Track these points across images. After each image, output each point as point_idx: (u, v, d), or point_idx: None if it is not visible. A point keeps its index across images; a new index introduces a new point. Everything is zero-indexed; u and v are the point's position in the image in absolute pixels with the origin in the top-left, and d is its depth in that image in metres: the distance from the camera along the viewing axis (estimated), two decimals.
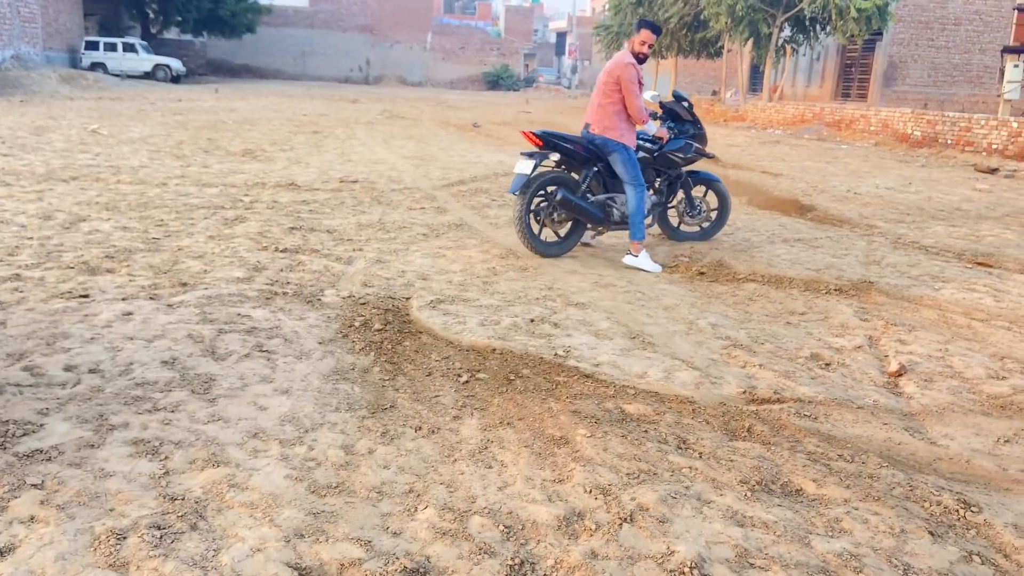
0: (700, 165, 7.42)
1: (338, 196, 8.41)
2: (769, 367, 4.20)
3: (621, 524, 2.65)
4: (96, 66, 29.29)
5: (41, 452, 2.84)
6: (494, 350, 4.21)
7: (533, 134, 6.06)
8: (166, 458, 2.87)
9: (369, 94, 30.22)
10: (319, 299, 4.89)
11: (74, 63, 29.08)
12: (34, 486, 2.62)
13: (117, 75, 28.51)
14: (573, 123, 20.60)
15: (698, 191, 7.12)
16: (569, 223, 6.28)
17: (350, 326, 4.45)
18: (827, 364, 4.33)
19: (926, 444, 3.46)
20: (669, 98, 6.81)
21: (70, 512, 2.49)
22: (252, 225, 6.75)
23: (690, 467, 3.08)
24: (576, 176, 6.30)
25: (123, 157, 10.10)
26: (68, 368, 3.59)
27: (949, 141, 16.53)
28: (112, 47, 30.24)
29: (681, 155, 6.57)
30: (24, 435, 2.94)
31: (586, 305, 5.09)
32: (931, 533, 2.72)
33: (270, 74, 40.78)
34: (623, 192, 6.23)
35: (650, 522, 2.67)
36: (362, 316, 4.62)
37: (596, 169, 6.22)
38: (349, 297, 4.96)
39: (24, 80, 20.63)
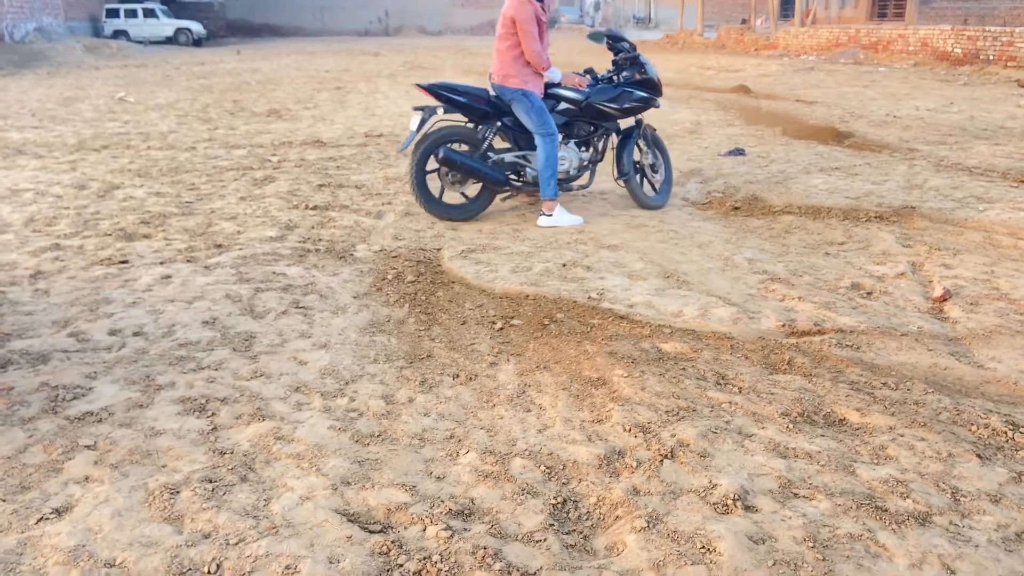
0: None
1: (364, 151, 8.38)
2: (808, 299, 4.13)
3: (662, 461, 2.66)
4: (118, 34, 29.32)
5: (91, 414, 2.92)
6: (527, 296, 4.20)
7: (422, 87, 5.45)
8: (213, 414, 2.94)
9: (390, 46, 29.89)
10: (351, 254, 4.91)
11: (96, 32, 29.13)
12: (87, 447, 2.70)
13: (139, 42, 28.53)
14: (595, 61, 20.19)
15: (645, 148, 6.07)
16: (479, 184, 5.63)
17: (383, 279, 4.47)
18: (869, 293, 4.25)
19: (973, 368, 3.39)
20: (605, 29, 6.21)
21: (123, 470, 2.57)
22: (281, 184, 6.77)
23: (730, 402, 3.06)
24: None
25: (151, 123, 10.16)
26: (112, 332, 3.67)
27: (991, 57, 15.86)
28: (132, 13, 30.19)
29: (615, 105, 5.62)
30: (74, 399, 3.03)
31: (618, 247, 5.04)
32: (979, 456, 2.69)
33: (290, 32, 40.49)
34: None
35: (691, 457, 2.67)
36: (395, 269, 4.63)
37: (500, 124, 5.52)
38: (381, 251, 4.97)
39: (49, 52, 20.75)
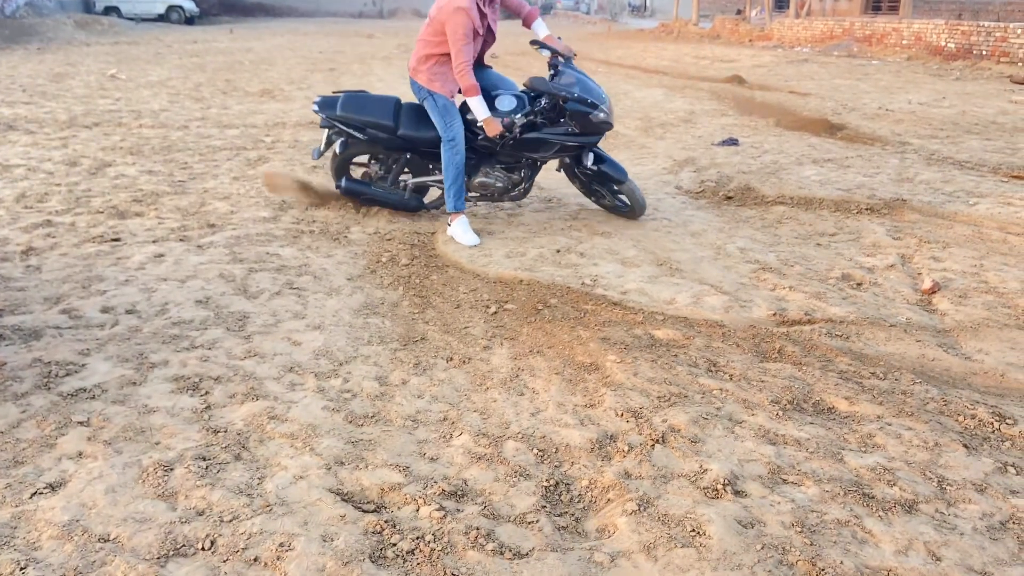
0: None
1: None
2: (799, 289, 4.16)
3: (653, 445, 2.68)
4: (109, 10, 28.93)
5: (85, 391, 2.92)
6: (521, 281, 4.21)
7: (317, 110, 4.92)
8: (207, 393, 2.94)
9: (384, 28, 29.67)
10: (345, 236, 4.90)
11: (87, 7, 28.74)
12: (80, 423, 2.70)
13: (131, 18, 28.19)
14: (592, 49, 20.12)
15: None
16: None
17: (377, 261, 4.47)
18: (859, 284, 4.28)
19: (960, 359, 3.43)
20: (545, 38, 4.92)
21: (117, 447, 2.58)
22: (275, 165, 6.74)
23: (721, 389, 3.09)
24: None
25: (143, 101, 10.07)
26: (105, 310, 3.66)
27: (984, 52, 15.91)
28: None
29: (535, 155, 4.97)
30: (67, 375, 3.03)
31: (612, 234, 5.05)
32: (965, 446, 2.73)
33: (283, 11, 40.11)
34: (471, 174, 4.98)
35: (682, 442, 2.70)
36: (389, 251, 4.63)
37: (407, 158, 5.09)
38: (375, 233, 4.96)
39: (39, 27, 20.49)
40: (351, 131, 4.93)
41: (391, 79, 13.21)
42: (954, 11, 26.80)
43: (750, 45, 22.61)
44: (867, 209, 5.68)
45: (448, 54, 4.64)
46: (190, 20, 30.61)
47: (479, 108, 4.62)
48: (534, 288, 4.12)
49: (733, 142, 8.02)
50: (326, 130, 5.04)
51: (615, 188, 5.21)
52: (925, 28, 17.80)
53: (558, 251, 4.67)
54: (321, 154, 5.13)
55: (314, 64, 15.41)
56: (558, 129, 4.86)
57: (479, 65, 4.98)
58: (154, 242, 4.65)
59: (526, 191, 5.20)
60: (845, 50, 19.33)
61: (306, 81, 12.64)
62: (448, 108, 4.77)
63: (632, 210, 5.29)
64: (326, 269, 4.31)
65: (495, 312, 3.83)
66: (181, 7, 30.74)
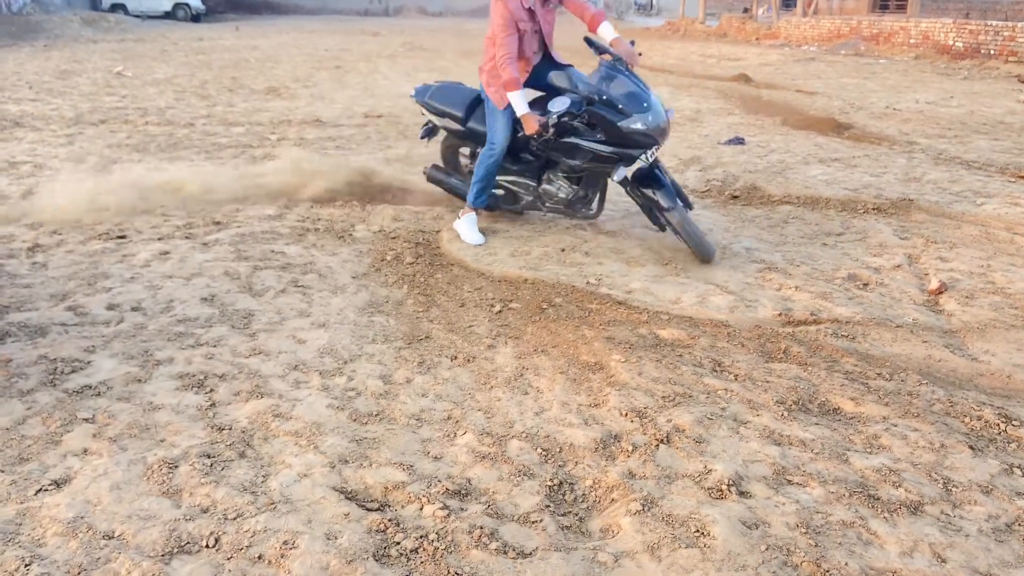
0: None
1: (364, 131, 8.35)
2: (805, 289, 4.15)
3: (658, 445, 2.68)
4: (116, 7, 28.99)
5: (90, 388, 2.92)
6: (526, 280, 4.21)
7: (416, 96, 5.03)
8: (212, 391, 2.95)
9: (390, 27, 29.67)
10: (350, 234, 4.90)
11: (94, 5, 28.80)
12: (85, 420, 2.71)
13: (137, 16, 28.24)
14: None
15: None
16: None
17: (382, 260, 4.47)
18: (865, 284, 4.27)
19: (967, 360, 3.42)
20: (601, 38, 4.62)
21: (122, 444, 2.58)
22: (281, 162, 6.73)
23: (726, 389, 3.08)
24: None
25: (149, 98, 10.09)
26: (111, 307, 3.67)
27: (992, 52, 15.83)
28: None
29: (571, 162, 4.55)
30: (72, 372, 3.03)
31: (617, 233, 5.04)
32: (971, 447, 2.71)
33: (289, 9, 40.15)
34: (565, 169, 4.70)
35: (687, 443, 2.70)
36: (393, 250, 4.63)
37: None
38: (380, 231, 4.96)
39: (46, 24, 20.55)
40: (435, 119, 5.03)
41: (396, 77, 13.21)
42: (962, 10, 26.67)
43: (757, 44, 22.55)
44: (874, 209, 5.66)
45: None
46: (196, 18, 30.65)
47: (518, 103, 4.37)
48: (539, 287, 4.12)
49: (739, 141, 8.00)
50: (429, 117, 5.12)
51: (664, 215, 4.50)
52: (933, 27, 17.73)
53: (563, 250, 4.66)
54: (425, 139, 5.25)
55: (320, 62, 15.42)
56: (593, 135, 4.42)
57: (554, 63, 4.69)
58: (159, 239, 4.66)
59: (593, 206, 4.79)
60: (852, 49, 19.26)
61: (312, 79, 12.65)
62: (494, 113, 4.58)
63: (694, 251, 4.50)
64: (331, 267, 4.32)
65: (499, 311, 3.83)
66: (187, 4, 30.79)
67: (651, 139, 4.31)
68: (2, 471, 2.42)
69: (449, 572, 2.07)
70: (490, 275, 4.29)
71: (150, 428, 2.68)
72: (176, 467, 2.46)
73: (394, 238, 4.83)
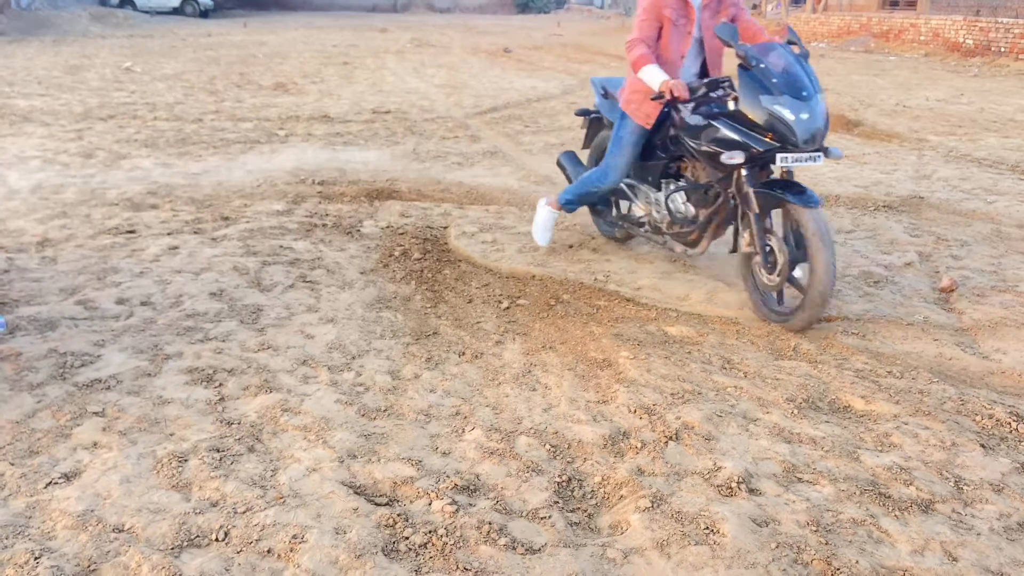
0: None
1: (371, 127, 8.35)
2: None
3: (667, 442, 2.67)
4: (124, 3, 29.00)
5: (100, 382, 2.93)
6: (534, 276, 4.20)
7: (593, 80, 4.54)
8: (220, 385, 2.95)
9: (398, 22, 29.66)
10: (358, 230, 4.90)
11: (103, 0, 28.89)
12: (95, 414, 2.71)
13: (146, 11, 28.30)
14: (605, 44, 20.02)
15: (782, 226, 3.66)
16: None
17: (390, 256, 4.47)
18: (876, 282, 4.24)
19: (978, 359, 3.40)
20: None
21: (132, 438, 2.59)
22: (288, 158, 6.74)
23: (735, 386, 3.07)
24: None
25: (158, 94, 10.11)
26: (120, 301, 3.68)
27: (1003, 49, 15.73)
28: None
29: (693, 143, 3.72)
30: (82, 366, 3.04)
31: None
32: (983, 446, 2.70)
33: (297, 5, 40.16)
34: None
35: (696, 440, 2.69)
36: (401, 246, 4.63)
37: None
38: (388, 227, 4.96)
39: (55, 20, 20.61)
40: (595, 113, 4.68)
41: (404, 73, 13.21)
42: (972, 7, 26.49)
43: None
44: (884, 206, 5.63)
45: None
46: (204, 13, 30.68)
47: (654, 75, 3.66)
48: (546, 284, 4.11)
49: None
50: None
51: (798, 223, 3.44)
52: (943, 24, 17.62)
53: (571, 247, 4.66)
54: (581, 116, 4.86)
55: (328, 58, 15.42)
56: (729, 119, 3.55)
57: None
58: (168, 234, 4.67)
59: (701, 242, 3.98)
60: (862, 46, 19.17)
61: (319, 75, 12.66)
62: (625, 139, 4.00)
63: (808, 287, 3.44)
64: (339, 263, 4.32)
65: (507, 307, 3.82)
66: (196, 0, 30.82)
67: (792, 138, 3.37)
68: (12, 464, 2.42)
69: (458, 567, 2.07)
70: (498, 271, 4.28)
71: (159, 422, 2.69)
72: (186, 461, 2.47)
73: (402, 234, 4.83)
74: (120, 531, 2.15)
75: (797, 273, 3.57)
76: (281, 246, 4.52)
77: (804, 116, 3.38)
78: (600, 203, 4.58)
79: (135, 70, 12.51)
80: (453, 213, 5.28)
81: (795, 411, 2.91)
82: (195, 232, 4.73)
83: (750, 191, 3.54)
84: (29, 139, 7.16)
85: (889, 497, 2.40)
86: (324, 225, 4.96)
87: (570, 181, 4.67)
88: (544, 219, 4.51)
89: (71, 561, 2.03)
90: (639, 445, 2.65)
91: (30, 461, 2.45)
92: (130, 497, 2.28)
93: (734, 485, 2.42)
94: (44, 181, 5.74)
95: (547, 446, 2.65)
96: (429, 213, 5.28)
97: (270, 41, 19.16)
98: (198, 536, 2.14)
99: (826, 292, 3.35)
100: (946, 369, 3.30)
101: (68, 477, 2.38)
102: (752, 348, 3.44)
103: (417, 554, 2.12)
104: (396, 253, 4.50)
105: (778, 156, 3.43)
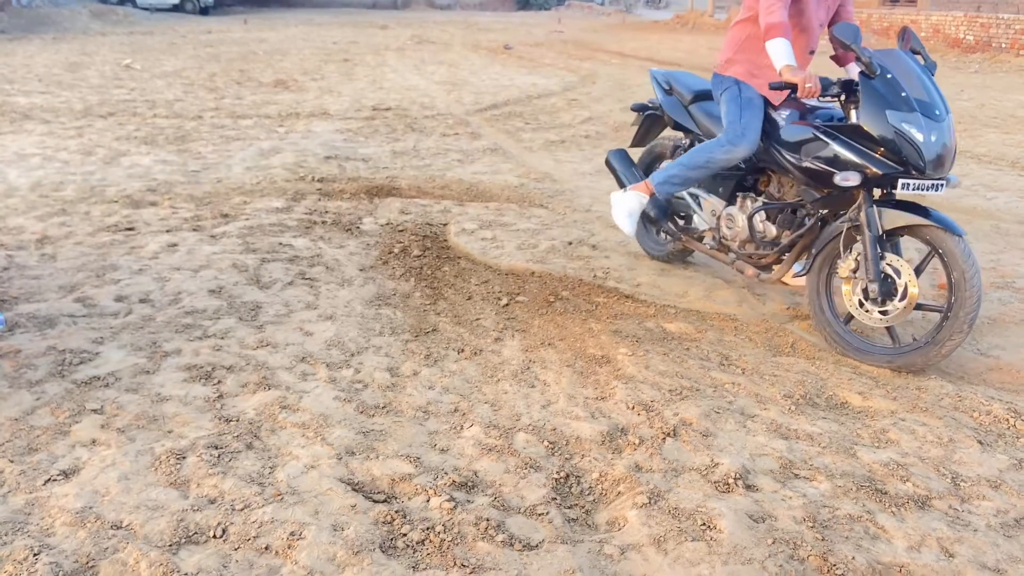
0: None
1: (371, 124, 8.35)
2: None
3: (664, 439, 2.67)
4: (125, 0, 29.05)
5: (98, 379, 2.93)
6: (533, 273, 4.20)
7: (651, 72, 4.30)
8: (219, 382, 2.96)
9: (398, 19, 29.64)
10: (358, 227, 4.91)
11: None
12: (94, 411, 2.72)
13: (146, 8, 28.28)
14: (606, 41, 20.01)
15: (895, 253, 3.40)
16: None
17: (389, 253, 4.47)
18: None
19: (976, 355, 3.40)
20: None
21: (130, 435, 2.59)
22: (288, 156, 6.75)
23: (733, 383, 3.07)
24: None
25: (158, 91, 10.11)
26: (119, 299, 3.68)
27: (1003, 45, 15.72)
28: None
29: (792, 157, 3.39)
30: (81, 363, 3.05)
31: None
32: (980, 442, 2.70)
33: (297, 2, 40.11)
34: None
35: (693, 436, 2.69)
36: (401, 243, 4.63)
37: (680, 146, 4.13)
38: (387, 224, 4.97)
39: (55, 17, 20.60)
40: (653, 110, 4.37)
41: (405, 70, 13.20)
42: (973, 3, 26.44)
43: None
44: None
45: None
46: (204, 10, 30.63)
47: (780, 52, 3.30)
48: (546, 280, 4.11)
49: None
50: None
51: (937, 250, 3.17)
52: (943, 20, 17.60)
53: (570, 243, 4.66)
54: (636, 112, 4.51)
55: (328, 55, 15.41)
56: (843, 137, 3.22)
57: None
58: (168, 231, 4.68)
59: (775, 266, 3.65)
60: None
61: (320, 72, 12.65)
62: (753, 101, 3.57)
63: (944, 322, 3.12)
64: (338, 260, 4.32)
65: (507, 304, 3.83)
66: None
67: (919, 161, 3.05)
68: (11, 461, 2.43)
69: (455, 564, 2.08)
70: (497, 268, 4.29)
71: (158, 419, 2.70)
72: (184, 458, 2.47)
73: (401, 231, 4.83)
74: (118, 528, 2.15)
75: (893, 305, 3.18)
76: (280, 243, 4.53)
77: (933, 138, 3.05)
78: (659, 213, 4.02)
79: (135, 67, 12.50)
80: (453, 210, 5.28)
81: (792, 407, 2.91)
82: (194, 229, 4.73)
83: (873, 211, 3.19)
84: (29, 136, 7.16)
85: (886, 493, 2.40)
86: (323, 222, 4.97)
87: (619, 181, 4.25)
88: (632, 205, 3.89)
89: (70, 558, 2.03)
90: (637, 441, 2.66)
91: (29, 458, 2.45)
92: (128, 494, 2.29)
93: (731, 481, 2.43)
94: (44, 178, 5.74)
95: (545, 442, 2.66)
96: (429, 210, 5.28)
97: (270, 38, 19.15)
98: (196, 533, 2.15)
99: (974, 317, 3.06)
100: (944, 365, 3.30)
101: (67, 474, 2.38)
102: (750, 344, 3.44)
103: (415, 551, 2.12)
104: (395, 250, 4.51)
105: (899, 181, 3.11)
